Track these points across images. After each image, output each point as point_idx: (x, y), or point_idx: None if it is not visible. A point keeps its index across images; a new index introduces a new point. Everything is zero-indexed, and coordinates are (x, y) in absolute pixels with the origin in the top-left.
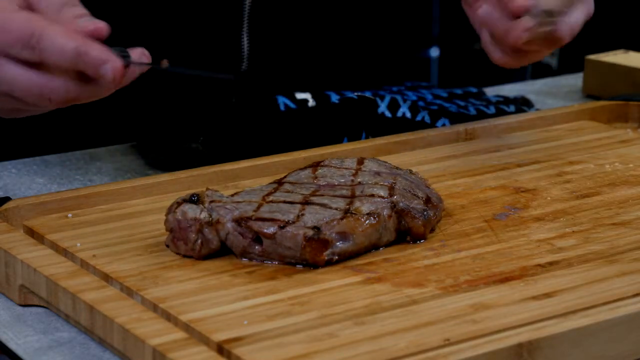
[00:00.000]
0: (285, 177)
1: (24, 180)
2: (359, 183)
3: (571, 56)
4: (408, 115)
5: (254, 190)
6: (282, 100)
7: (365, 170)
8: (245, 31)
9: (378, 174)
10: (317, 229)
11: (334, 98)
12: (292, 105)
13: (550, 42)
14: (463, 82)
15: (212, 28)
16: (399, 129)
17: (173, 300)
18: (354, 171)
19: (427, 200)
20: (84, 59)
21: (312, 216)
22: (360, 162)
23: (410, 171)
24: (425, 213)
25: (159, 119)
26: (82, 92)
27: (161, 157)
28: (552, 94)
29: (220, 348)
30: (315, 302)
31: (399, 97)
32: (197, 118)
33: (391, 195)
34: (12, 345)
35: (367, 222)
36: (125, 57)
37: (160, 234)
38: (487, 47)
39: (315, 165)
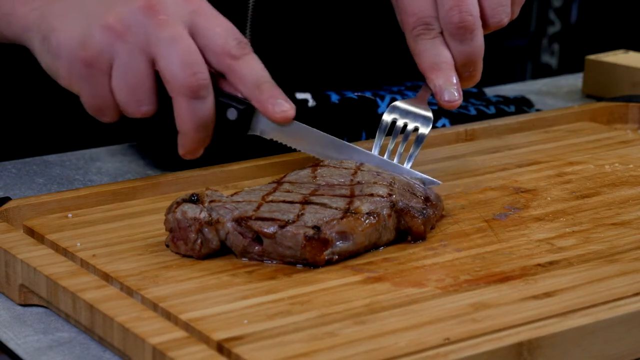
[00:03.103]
0: (284, 177)
1: (24, 180)
2: (358, 182)
3: (571, 56)
4: None
5: (254, 190)
6: None
7: (364, 170)
8: (248, 33)
9: (377, 173)
10: (317, 228)
11: (334, 98)
12: None
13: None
14: None
15: None
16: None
17: (173, 299)
18: (353, 171)
19: (426, 199)
20: (270, 88)
21: (312, 216)
22: (360, 163)
23: None
24: (424, 212)
25: (159, 119)
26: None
27: (161, 157)
28: (552, 94)
29: (220, 347)
30: (315, 302)
31: (398, 97)
32: None
33: (390, 194)
34: (12, 345)
35: (367, 221)
36: None
37: (160, 234)
38: (439, 91)
39: (315, 165)
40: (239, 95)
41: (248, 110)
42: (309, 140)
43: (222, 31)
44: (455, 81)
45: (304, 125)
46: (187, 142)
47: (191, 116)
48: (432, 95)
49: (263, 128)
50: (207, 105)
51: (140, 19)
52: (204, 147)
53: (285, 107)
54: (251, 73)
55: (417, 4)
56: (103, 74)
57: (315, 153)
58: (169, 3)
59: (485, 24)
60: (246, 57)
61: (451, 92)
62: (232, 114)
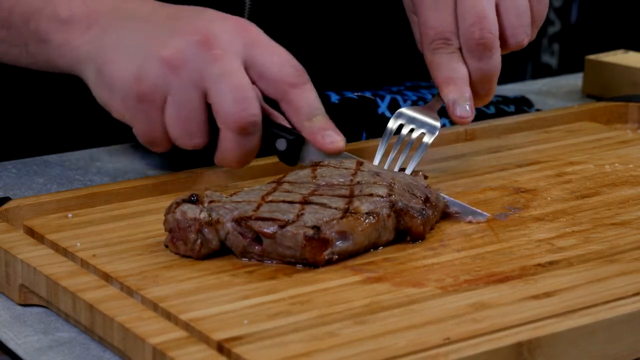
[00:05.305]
0: (284, 177)
1: (24, 180)
2: (358, 183)
3: (571, 56)
4: None
5: (253, 190)
6: None
7: (364, 171)
8: None
9: (377, 174)
10: (317, 228)
11: (334, 98)
12: None
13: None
14: None
15: None
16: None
17: (173, 299)
18: (353, 171)
19: (426, 200)
20: (322, 120)
21: (312, 216)
22: (360, 163)
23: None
24: (423, 212)
25: None
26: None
27: (161, 157)
28: (552, 94)
29: (220, 347)
30: (315, 302)
31: (399, 97)
32: None
33: (390, 194)
34: (12, 345)
35: (366, 221)
36: None
37: (160, 234)
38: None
39: (315, 165)
40: (288, 125)
41: (297, 141)
42: None
43: (278, 60)
44: (468, 97)
45: (354, 156)
46: (226, 164)
47: (237, 149)
48: (444, 107)
49: (312, 158)
50: (254, 140)
51: (195, 52)
52: None
53: (335, 139)
54: (306, 104)
55: (438, 18)
56: (156, 108)
57: None
58: (224, 36)
59: (505, 44)
60: (303, 87)
61: (464, 107)
62: (281, 144)
